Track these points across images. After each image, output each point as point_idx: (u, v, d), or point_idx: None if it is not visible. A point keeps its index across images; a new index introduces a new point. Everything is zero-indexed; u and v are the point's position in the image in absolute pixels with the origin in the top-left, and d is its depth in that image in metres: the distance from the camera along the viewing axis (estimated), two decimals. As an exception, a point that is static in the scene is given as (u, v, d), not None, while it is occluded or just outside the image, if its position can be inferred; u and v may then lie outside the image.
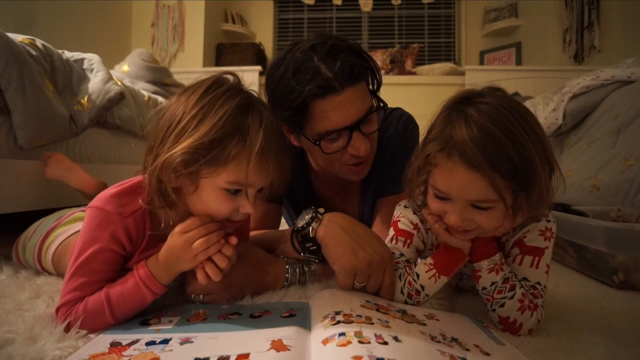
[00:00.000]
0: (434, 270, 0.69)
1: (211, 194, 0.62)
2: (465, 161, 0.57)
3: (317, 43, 0.77)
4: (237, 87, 0.65)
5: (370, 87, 0.85)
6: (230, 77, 0.66)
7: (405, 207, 0.78)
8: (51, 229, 0.89)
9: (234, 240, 0.65)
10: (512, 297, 0.63)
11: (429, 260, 0.70)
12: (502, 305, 0.64)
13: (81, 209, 0.96)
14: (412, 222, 0.76)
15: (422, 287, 0.70)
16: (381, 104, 0.84)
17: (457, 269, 0.69)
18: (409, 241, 0.75)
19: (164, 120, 0.62)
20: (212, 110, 0.59)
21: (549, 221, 0.68)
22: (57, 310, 0.60)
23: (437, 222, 0.67)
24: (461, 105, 0.62)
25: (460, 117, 0.60)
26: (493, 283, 0.65)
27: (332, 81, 0.75)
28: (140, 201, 0.63)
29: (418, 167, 0.67)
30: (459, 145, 0.58)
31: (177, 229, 0.63)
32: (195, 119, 0.59)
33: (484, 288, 0.66)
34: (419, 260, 0.74)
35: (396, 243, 0.76)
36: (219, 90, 0.62)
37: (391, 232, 0.78)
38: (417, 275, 0.70)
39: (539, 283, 0.66)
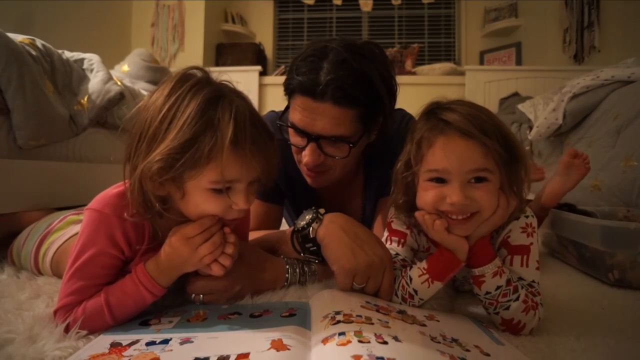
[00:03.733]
0: (427, 276, 0.67)
1: (200, 197, 0.60)
2: (459, 132, 0.62)
3: (341, 51, 0.76)
4: (205, 81, 0.61)
5: (374, 125, 0.84)
6: (197, 72, 0.62)
7: None
8: (45, 235, 0.88)
9: (227, 229, 0.65)
10: (517, 299, 0.63)
11: (423, 264, 0.69)
12: (507, 308, 0.63)
13: (73, 212, 0.95)
14: (405, 223, 0.76)
15: (415, 291, 0.69)
16: (351, 143, 0.80)
17: (452, 274, 0.67)
18: (402, 240, 0.75)
19: (136, 128, 0.59)
20: (179, 111, 0.57)
21: (527, 217, 0.68)
22: (55, 312, 0.60)
23: (435, 220, 0.64)
24: (439, 104, 0.68)
25: (444, 110, 0.65)
26: (498, 287, 0.63)
27: (316, 87, 0.75)
28: (125, 215, 0.60)
29: (406, 161, 0.68)
30: (451, 121, 0.62)
31: (178, 235, 0.62)
32: (164, 123, 0.57)
33: (487, 293, 0.64)
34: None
35: (391, 243, 0.76)
36: (184, 87, 0.59)
37: (385, 232, 0.78)
38: (410, 279, 0.69)
39: (533, 281, 0.66)
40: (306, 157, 0.82)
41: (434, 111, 0.66)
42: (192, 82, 0.60)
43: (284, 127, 0.86)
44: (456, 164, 0.61)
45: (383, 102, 0.82)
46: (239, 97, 0.63)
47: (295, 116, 0.81)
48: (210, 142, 0.56)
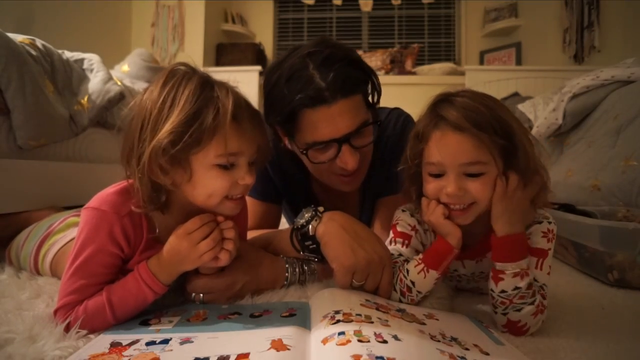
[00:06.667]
0: (423, 265, 0.69)
1: (206, 175, 0.62)
2: (452, 126, 0.64)
3: (314, 51, 0.76)
4: (193, 71, 0.65)
5: (370, 99, 0.84)
6: (182, 67, 0.66)
7: (403, 210, 0.79)
8: (45, 237, 0.88)
9: (221, 218, 0.66)
10: (532, 303, 0.62)
11: (419, 255, 0.71)
12: (519, 310, 0.63)
13: (73, 213, 0.95)
14: (410, 225, 0.76)
15: (413, 283, 0.70)
16: (376, 122, 0.82)
17: (447, 262, 0.68)
18: (407, 242, 0.76)
19: (135, 123, 0.62)
20: (178, 93, 0.60)
21: (550, 222, 0.69)
22: (56, 312, 0.60)
23: (437, 205, 0.67)
24: (444, 97, 0.69)
25: (444, 103, 0.67)
26: (516, 288, 0.62)
27: (323, 92, 0.74)
28: (132, 207, 0.62)
29: (409, 155, 0.70)
30: (446, 116, 0.65)
31: (180, 230, 0.63)
32: (166, 105, 0.60)
33: (503, 291, 0.63)
34: None
35: (395, 245, 0.76)
36: (177, 77, 0.63)
37: (390, 234, 0.79)
38: (407, 271, 0.70)
39: (544, 284, 0.66)
40: (348, 161, 0.79)
41: (437, 104, 0.68)
42: (183, 72, 0.64)
43: (304, 153, 0.81)
44: (449, 157, 0.64)
45: (372, 76, 0.83)
46: (226, 84, 0.67)
47: (315, 133, 0.77)
48: (213, 113, 0.60)
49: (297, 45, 0.80)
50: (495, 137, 0.62)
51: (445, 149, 0.64)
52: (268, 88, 0.81)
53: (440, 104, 0.67)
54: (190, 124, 0.59)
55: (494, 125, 0.62)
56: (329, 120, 0.76)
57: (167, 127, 0.58)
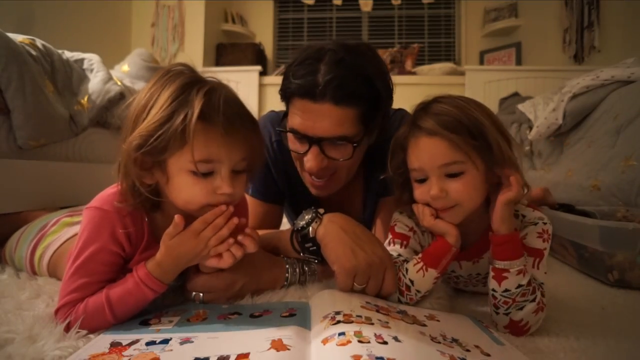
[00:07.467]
0: (422, 264, 0.69)
1: (182, 180, 0.61)
2: (425, 132, 0.67)
3: (336, 50, 0.76)
4: (186, 71, 0.64)
5: (372, 124, 0.82)
6: (179, 67, 0.64)
7: (400, 213, 0.79)
8: (39, 238, 0.87)
9: (236, 220, 0.63)
10: (533, 300, 0.63)
11: (419, 255, 0.71)
12: (521, 309, 0.63)
13: (66, 213, 0.95)
14: (407, 226, 0.77)
15: (412, 281, 0.70)
16: (354, 143, 0.79)
17: (446, 261, 0.69)
18: (405, 242, 0.76)
19: (126, 120, 0.63)
20: (159, 94, 0.60)
21: (545, 223, 0.69)
22: (57, 311, 0.60)
23: (424, 207, 0.69)
24: (422, 106, 0.71)
25: (421, 112, 0.70)
26: (520, 286, 0.63)
27: (315, 88, 0.75)
28: (115, 202, 0.62)
29: (390, 165, 0.74)
30: (421, 124, 0.68)
31: (189, 229, 0.62)
32: (146, 108, 0.60)
33: (506, 290, 0.63)
34: None
35: (393, 245, 0.77)
36: (165, 77, 0.62)
37: (389, 236, 0.79)
38: (407, 270, 0.71)
39: (542, 283, 0.66)
40: (309, 161, 0.80)
41: (415, 114, 0.71)
42: (174, 72, 0.63)
43: (283, 133, 0.85)
44: (426, 161, 0.67)
45: (382, 100, 0.81)
46: (222, 85, 0.64)
47: (295, 120, 0.80)
48: (181, 116, 0.57)
49: (333, 40, 0.81)
50: (467, 137, 0.64)
51: (422, 153, 0.67)
52: (289, 62, 0.83)
53: (417, 114, 0.70)
54: (159, 128, 0.57)
55: (467, 125, 0.65)
56: (308, 115, 0.77)
57: (140, 128, 0.58)
